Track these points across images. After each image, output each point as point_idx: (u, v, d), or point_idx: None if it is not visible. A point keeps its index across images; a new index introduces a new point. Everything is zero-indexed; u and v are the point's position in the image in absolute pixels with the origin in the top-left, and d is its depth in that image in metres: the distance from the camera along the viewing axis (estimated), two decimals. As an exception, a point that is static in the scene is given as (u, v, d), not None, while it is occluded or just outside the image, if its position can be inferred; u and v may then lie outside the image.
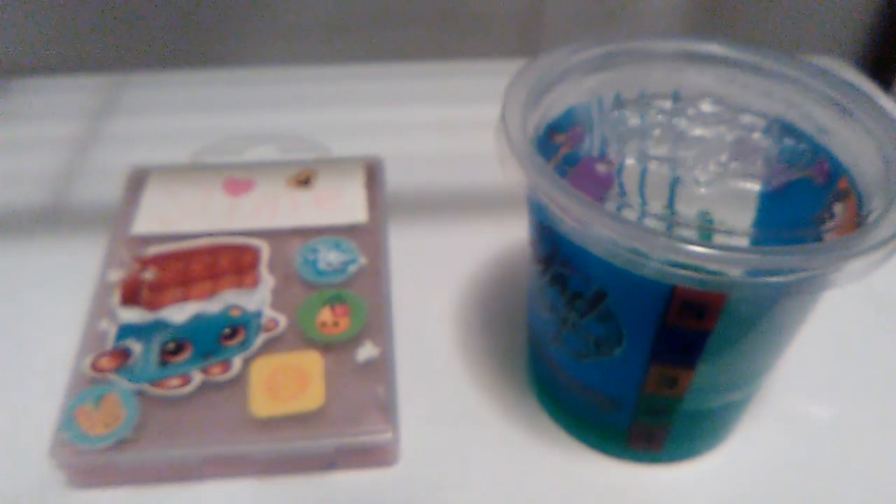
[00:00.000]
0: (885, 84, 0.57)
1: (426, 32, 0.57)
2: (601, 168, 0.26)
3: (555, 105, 0.28)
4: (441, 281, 0.37)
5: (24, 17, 0.53)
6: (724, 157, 0.26)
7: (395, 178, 0.41)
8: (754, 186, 0.25)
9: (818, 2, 0.59)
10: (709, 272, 0.21)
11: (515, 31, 0.58)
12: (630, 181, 0.25)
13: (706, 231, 0.23)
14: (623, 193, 0.25)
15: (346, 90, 0.52)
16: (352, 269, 0.35)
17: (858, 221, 0.25)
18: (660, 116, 0.27)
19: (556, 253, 0.26)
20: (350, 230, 0.37)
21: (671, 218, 0.24)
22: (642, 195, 0.25)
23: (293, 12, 0.54)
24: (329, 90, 0.52)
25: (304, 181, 0.39)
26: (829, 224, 0.24)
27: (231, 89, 0.52)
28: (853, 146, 0.27)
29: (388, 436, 0.29)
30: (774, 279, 0.21)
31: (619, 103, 0.28)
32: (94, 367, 0.30)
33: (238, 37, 0.56)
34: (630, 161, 0.26)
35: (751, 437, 0.31)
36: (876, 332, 0.36)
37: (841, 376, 0.34)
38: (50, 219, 0.41)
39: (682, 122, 0.27)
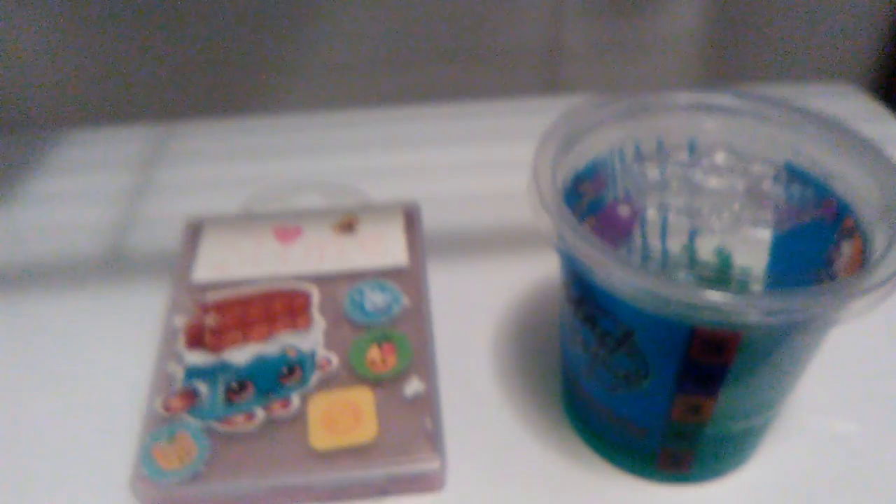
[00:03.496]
0: (894, 107, 0.59)
1: (448, 69, 0.60)
2: (624, 210, 0.29)
3: (581, 157, 0.31)
4: (479, 317, 0.40)
5: (72, 70, 0.57)
6: (737, 207, 0.28)
7: (430, 220, 0.44)
8: (766, 233, 0.28)
9: (828, 27, 0.61)
10: (726, 314, 0.23)
11: (537, 64, 0.60)
12: (652, 231, 0.28)
13: (725, 278, 0.26)
14: (645, 241, 0.27)
15: (376, 134, 0.54)
16: (396, 309, 0.37)
17: (863, 259, 0.27)
18: (677, 169, 0.30)
19: (586, 296, 0.28)
20: (392, 273, 0.40)
21: (693, 265, 0.26)
22: (664, 243, 0.27)
23: (315, 55, 0.57)
24: (358, 134, 0.54)
25: (348, 227, 0.42)
26: (839, 263, 0.27)
27: (269, 135, 0.55)
28: (856, 188, 0.29)
29: (436, 465, 0.32)
30: (784, 319, 0.23)
31: (639, 156, 0.31)
32: (166, 406, 0.33)
33: (273, 81, 0.59)
34: (651, 212, 0.28)
35: (776, 454, 0.33)
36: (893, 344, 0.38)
37: (862, 390, 0.36)
38: (112, 267, 0.44)
39: (697, 174, 0.30)
